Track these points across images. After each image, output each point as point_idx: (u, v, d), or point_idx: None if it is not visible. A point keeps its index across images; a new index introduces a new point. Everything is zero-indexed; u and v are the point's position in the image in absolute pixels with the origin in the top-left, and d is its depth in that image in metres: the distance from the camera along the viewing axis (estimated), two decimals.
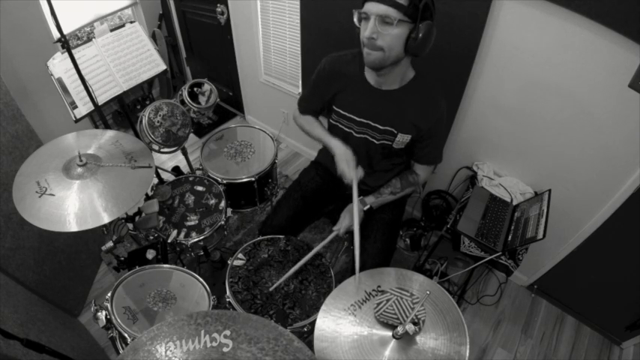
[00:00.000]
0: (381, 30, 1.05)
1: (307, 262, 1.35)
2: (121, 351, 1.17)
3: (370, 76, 1.26)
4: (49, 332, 1.40)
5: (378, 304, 0.93)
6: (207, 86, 1.84)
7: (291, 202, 1.53)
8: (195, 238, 1.51)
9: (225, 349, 0.72)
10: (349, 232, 1.36)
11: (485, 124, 1.69)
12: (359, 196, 1.30)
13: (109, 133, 1.37)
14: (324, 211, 1.65)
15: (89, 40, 1.72)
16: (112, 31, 1.78)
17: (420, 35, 1.05)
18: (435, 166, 1.47)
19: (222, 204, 1.63)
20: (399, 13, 1.02)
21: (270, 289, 1.28)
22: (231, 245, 2.16)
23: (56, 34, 1.40)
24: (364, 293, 1.00)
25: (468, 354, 0.88)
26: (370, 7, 1.04)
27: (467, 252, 1.58)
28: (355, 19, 1.11)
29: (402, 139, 1.30)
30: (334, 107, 1.36)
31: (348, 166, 1.26)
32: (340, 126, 1.38)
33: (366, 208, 1.37)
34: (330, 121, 1.44)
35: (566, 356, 1.80)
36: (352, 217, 1.27)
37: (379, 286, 1.02)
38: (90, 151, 1.28)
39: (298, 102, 1.51)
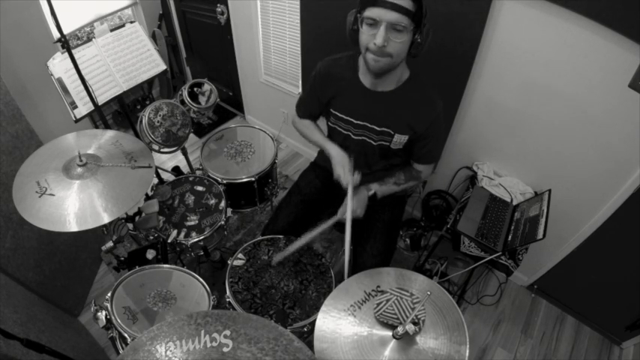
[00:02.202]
0: (391, 37, 1.04)
1: (307, 262, 1.35)
2: (121, 351, 1.17)
3: (365, 79, 1.26)
4: (49, 332, 1.40)
5: (378, 305, 0.93)
6: (207, 86, 1.84)
7: (292, 207, 1.52)
8: (195, 238, 1.51)
9: (225, 349, 0.72)
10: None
11: (485, 124, 1.69)
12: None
13: (109, 133, 1.37)
14: (325, 213, 1.65)
15: (89, 40, 1.72)
16: (112, 31, 1.78)
17: (423, 39, 1.06)
18: (435, 165, 1.47)
19: (222, 204, 1.63)
20: (409, 20, 1.01)
21: (273, 263, 1.32)
22: (231, 245, 2.16)
23: (56, 34, 1.40)
24: (364, 293, 1.00)
25: (467, 354, 0.88)
26: (381, 14, 1.01)
27: (467, 252, 1.58)
28: (358, 22, 1.09)
29: (400, 139, 1.30)
30: (331, 110, 1.37)
31: (344, 170, 1.27)
32: (339, 128, 1.38)
33: (370, 194, 1.34)
34: (329, 123, 1.44)
35: (566, 356, 1.80)
36: (354, 202, 1.25)
37: (379, 286, 1.02)
38: (90, 151, 1.28)
39: (296, 106, 1.51)
